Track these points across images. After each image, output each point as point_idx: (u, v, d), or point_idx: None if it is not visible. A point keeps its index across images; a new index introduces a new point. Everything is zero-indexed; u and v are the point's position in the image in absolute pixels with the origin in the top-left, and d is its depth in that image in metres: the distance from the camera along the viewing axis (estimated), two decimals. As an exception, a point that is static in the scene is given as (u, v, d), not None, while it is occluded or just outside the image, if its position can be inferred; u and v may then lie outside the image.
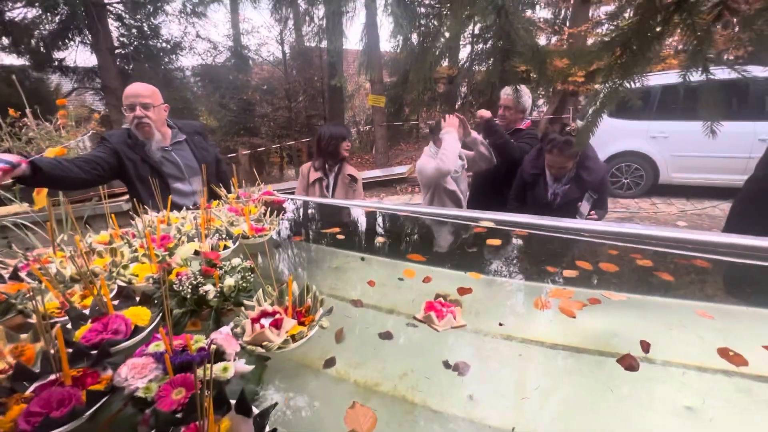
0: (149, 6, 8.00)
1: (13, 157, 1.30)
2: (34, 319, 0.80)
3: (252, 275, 0.93)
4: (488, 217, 1.62)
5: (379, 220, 1.89)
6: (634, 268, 1.23)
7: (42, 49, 7.41)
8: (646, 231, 1.42)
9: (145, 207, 1.42)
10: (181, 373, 0.62)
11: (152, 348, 0.66)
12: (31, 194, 2.06)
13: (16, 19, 6.92)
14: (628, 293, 1.06)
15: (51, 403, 0.57)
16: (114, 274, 0.97)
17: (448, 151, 2.09)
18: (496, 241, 1.45)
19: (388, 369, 0.84)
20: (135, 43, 8.18)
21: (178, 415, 0.56)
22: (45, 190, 1.39)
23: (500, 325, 0.93)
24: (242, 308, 0.83)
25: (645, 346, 0.82)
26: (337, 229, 1.65)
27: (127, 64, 8.06)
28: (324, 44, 9.18)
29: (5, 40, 6.91)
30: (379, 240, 1.68)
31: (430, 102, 11.18)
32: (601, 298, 1.02)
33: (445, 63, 11.41)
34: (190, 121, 2.07)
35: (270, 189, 1.84)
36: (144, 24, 8.22)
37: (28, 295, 0.91)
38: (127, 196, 2.38)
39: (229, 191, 1.74)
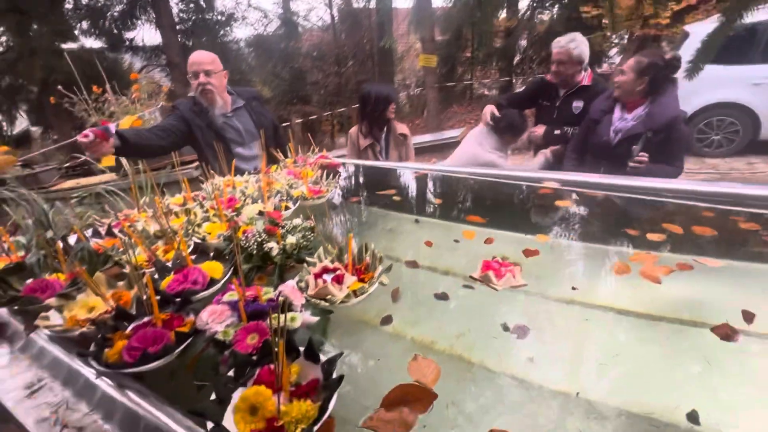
0: (203, -22, 8.20)
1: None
2: (128, 269, 0.89)
3: (312, 234, 0.95)
4: (555, 177, 1.49)
5: (434, 182, 1.84)
6: (734, 231, 1.07)
7: (115, 30, 7.98)
8: (748, 190, 1.22)
9: (212, 171, 1.51)
10: (253, 320, 0.65)
11: (227, 297, 0.71)
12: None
13: (91, 3, 7.48)
14: (727, 259, 0.93)
15: (147, 339, 0.64)
16: (190, 232, 1.05)
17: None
18: (566, 203, 1.34)
19: (444, 328, 0.84)
20: (192, 17, 8.48)
21: (254, 358, 0.60)
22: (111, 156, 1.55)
23: (573, 288, 0.87)
24: (304, 264, 0.85)
25: (748, 317, 0.72)
26: (392, 192, 1.63)
27: (187, 40, 8.43)
28: (373, 3, 8.83)
29: (85, 24, 7.52)
30: (434, 202, 1.64)
31: (485, 59, 10.43)
32: (693, 264, 0.90)
33: (503, 15, 10.47)
34: (247, 87, 2.13)
35: (325, 153, 1.86)
36: (199, -2, 8.46)
37: (121, 249, 1.02)
38: (195, 164, 2.56)
39: (285, 156, 1.78)
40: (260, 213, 1.12)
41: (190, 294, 0.77)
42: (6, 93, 7.17)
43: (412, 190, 1.82)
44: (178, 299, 0.75)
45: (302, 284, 0.79)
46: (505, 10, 10.50)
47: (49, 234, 1.13)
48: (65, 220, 1.31)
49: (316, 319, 0.68)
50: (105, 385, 0.60)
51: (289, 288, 0.70)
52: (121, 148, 1.55)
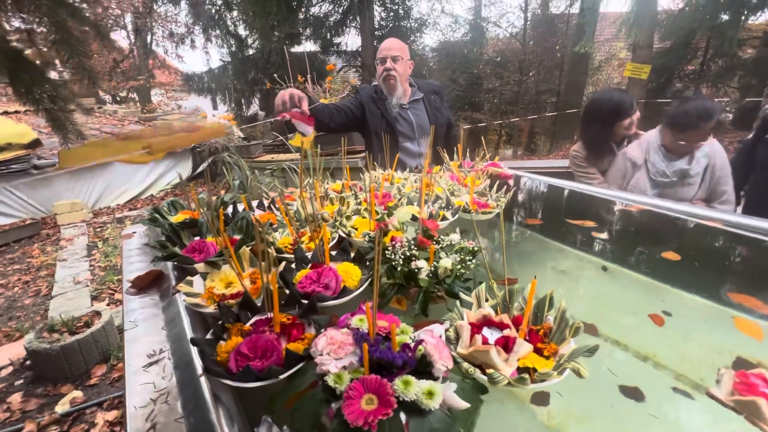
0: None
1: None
2: (270, 251, 0.84)
3: (473, 261, 0.71)
4: None
5: (656, 222, 1.33)
6: None
7: (328, 36, 9.43)
8: None
9: (374, 163, 1.44)
10: (377, 372, 0.46)
11: (356, 322, 0.54)
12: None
13: (316, 14, 9.02)
14: None
15: (258, 349, 0.53)
16: (337, 224, 0.96)
17: None
18: None
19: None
20: (390, 24, 9.27)
21: (365, 437, 0.40)
22: (311, 137, 1.62)
23: None
24: (457, 302, 0.62)
25: None
26: (590, 223, 1.25)
27: (380, 44, 9.29)
28: (575, 7, 7.88)
29: (308, 31, 9.13)
30: (644, 249, 1.17)
31: (723, 73, 8.02)
32: None
33: (763, 16, 7.80)
34: (430, 80, 2.03)
35: (497, 161, 1.58)
36: (399, 7, 9.17)
37: (275, 225, 1.00)
38: (363, 154, 2.65)
39: (451, 158, 1.59)
40: (413, 218, 0.94)
41: (318, 299, 0.64)
42: (249, 84, 9.41)
43: (620, 227, 1.37)
44: (304, 301, 0.64)
45: (450, 332, 0.56)
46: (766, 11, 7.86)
47: (228, 197, 1.23)
48: (258, 186, 1.44)
49: (464, 405, 0.44)
50: (205, 387, 0.50)
51: (433, 341, 0.48)
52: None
